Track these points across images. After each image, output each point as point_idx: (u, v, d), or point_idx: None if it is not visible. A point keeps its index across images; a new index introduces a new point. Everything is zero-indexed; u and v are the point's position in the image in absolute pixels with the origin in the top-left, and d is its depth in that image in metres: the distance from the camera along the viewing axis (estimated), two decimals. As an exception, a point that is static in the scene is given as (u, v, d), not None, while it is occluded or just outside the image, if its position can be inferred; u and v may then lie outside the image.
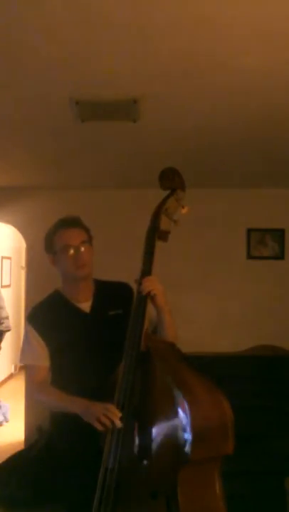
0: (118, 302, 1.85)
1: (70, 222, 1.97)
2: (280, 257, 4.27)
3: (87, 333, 1.94)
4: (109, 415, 1.60)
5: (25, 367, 2.10)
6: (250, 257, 4.28)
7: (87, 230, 2.00)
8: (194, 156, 3.21)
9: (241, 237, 4.27)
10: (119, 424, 1.59)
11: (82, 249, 1.92)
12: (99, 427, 1.62)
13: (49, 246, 1.97)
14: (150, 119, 2.48)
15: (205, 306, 4.20)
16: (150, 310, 1.86)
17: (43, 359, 1.96)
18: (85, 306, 1.98)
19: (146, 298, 1.76)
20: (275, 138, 2.85)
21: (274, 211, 4.27)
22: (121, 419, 1.59)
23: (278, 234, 4.27)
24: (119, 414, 1.59)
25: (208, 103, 2.32)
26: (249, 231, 4.26)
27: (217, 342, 3.99)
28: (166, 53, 1.84)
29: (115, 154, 3.23)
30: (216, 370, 3.52)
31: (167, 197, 1.89)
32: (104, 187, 4.21)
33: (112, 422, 1.59)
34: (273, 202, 4.25)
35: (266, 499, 2.97)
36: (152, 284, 1.76)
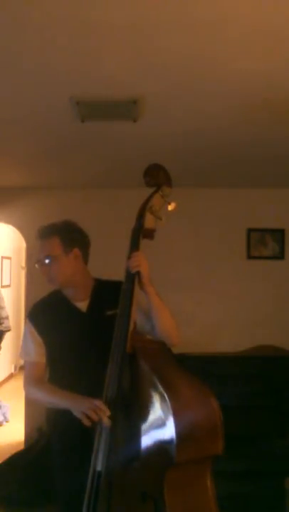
0: (116, 302, 1.83)
1: (40, 234, 1.96)
2: (280, 257, 4.27)
3: (83, 332, 1.94)
4: (98, 411, 1.60)
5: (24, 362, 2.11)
6: (250, 257, 4.27)
7: (63, 237, 1.93)
8: (194, 156, 3.22)
9: (241, 237, 4.27)
10: (107, 422, 1.59)
11: (46, 262, 1.91)
12: (85, 422, 1.62)
13: None
14: (150, 119, 2.48)
15: (205, 306, 4.20)
16: (144, 305, 1.85)
17: (39, 356, 1.97)
18: (83, 305, 1.98)
19: (134, 276, 1.76)
20: (275, 138, 2.85)
21: (274, 211, 4.27)
22: (110, 417, 1.59)
23: (278, 234, 4.27)
24: (108, 413, 1.59)
25: (208, 103, 2.32)
26: (249, 231, 4.26)
27: (217, 342, 3.99)
28: (167, 54, 1.84)
29: (115, 154, 3.23)
30: (216, 370, 3.54)
31: (152, 194, 1.87)
32: (104, 187, 4.21)
33: (100, 418, 1.59)
34: (273, 202, 4.25)
35: (266, 499, 2.96)
36: (138, 260, 1.77)
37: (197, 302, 4.14)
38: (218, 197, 4.24)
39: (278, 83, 2.09)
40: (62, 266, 1.92)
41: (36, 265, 1.96)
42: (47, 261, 1.91)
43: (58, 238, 1.93)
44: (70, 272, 1.94)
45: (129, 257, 1.79)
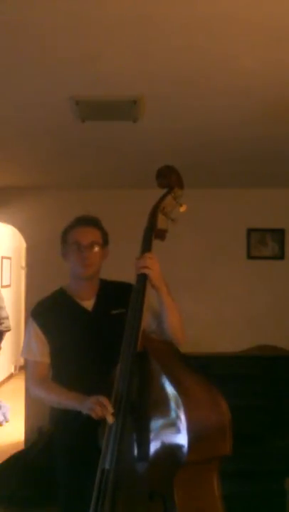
0: (121, 301, 1.82)
1: (86, 221, 2.01)
2: (280, 257, 4.27)
3: (88, 331, 1.94)
4: (100, 405, 1.61)
5: (26, 361, 2.10)
6: (250, 257, 4.28)
7: (103, 232, 2.02)
8: (194, 156, 3.21)
9: (241, 237, 4.27)
10: (111, 419, 1.59)
11: (92, 249, 1.94)
12: (94, 416, 1.63)
13: (64, 239, 2.01)
14: (150, 119, 2.48)
15: (205, 306, 4.20)
16: (153, 303, 1.85)
17: (43, 355, 1.97)
18: (88, 304, 1.99)
19: (144, 276, 1.74)
20: (275, 138, 2.85)
21: (274, 211, 4.27)
22: (113, 414, 1.59)
23: (278, 234, 4.27)
24: (111, 410, 1.59)
25: (208, 103, 2.32)
26: (249, 231, 4.26)
27: (217, 342, 3.99)
28: (166, 53, 1.84)
29: (115, 154, 3.23)
30: (216, 370, 3.53)
31: (164, 195, 1.87)
32: (104, 187, 4.21)
33: (104, 415, 1.59)
34: (273, 202, 4.25)
35: (266, 499, 2.97)
36: (147, 262, 1.75)
37: (197, 302, 4.13)
38: (218, 197, 4.24)
39: (280, 81, 2.09)
40: (100, 257, 1.99)
41: (81, 249, 1.93)
42: (92, 248, 1.94)
43: (99, 231, 2.01)
44: (100, 266, 2.00)
45: (139, 257, 1.79)
